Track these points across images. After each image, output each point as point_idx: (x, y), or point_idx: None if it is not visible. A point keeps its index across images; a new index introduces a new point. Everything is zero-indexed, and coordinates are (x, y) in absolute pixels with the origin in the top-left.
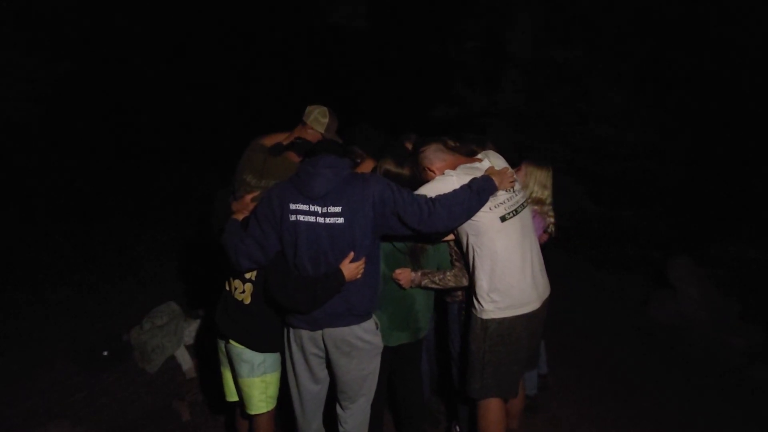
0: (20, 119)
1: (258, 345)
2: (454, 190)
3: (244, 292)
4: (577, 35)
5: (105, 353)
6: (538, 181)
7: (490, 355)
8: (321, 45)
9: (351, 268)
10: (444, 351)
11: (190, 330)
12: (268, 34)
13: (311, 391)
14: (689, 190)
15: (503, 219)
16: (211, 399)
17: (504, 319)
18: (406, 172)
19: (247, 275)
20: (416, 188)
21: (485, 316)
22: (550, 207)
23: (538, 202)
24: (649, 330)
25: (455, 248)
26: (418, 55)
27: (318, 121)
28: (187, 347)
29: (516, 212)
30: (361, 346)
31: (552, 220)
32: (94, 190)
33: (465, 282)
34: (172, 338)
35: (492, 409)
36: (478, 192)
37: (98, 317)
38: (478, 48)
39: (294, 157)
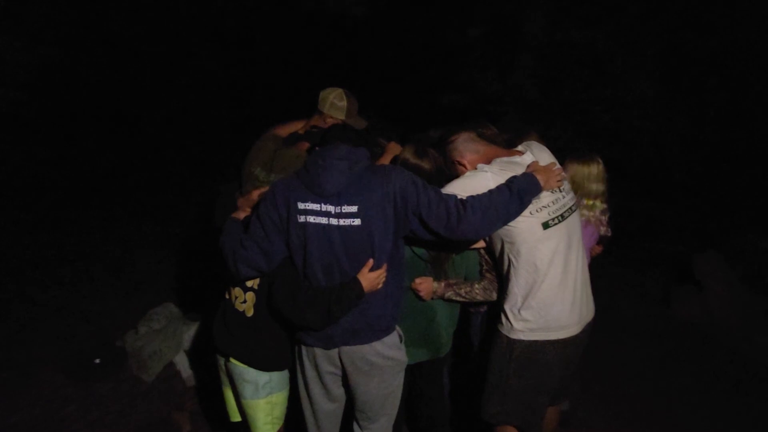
0: (4, 108)
1: (263, 364)
2: (490, 190)
3: (245, 302)
4: (597, 15)
5: (97, 361)
6: (587, 181)
7: (514, 380)
8: (321, 34)
9: (370, 278)
10: (464, 364)
11: (190, 334)
12: (266, 24)
13: (327, 410)
14: (712, 181)
15: (546, 226)
16: (213, 409)
17: (534, 342)
18: (426, 164)
19: (249, 283)
20: (440, 185)
21: (513, 336)
22: (605, 213)
23: (589, 207)
24: (673, 328)
25: (486, 257)
26: (424, 40)
27: (335, 106)
28: (187, 353)
29: (562, 218)
30: (382, 363)
31: (604, 228)
32: (86, 184)
33: (495, 296)
34: (170, 343)
35: None
36: (519, 193)
37: (90, 320)
38: (490, 30)
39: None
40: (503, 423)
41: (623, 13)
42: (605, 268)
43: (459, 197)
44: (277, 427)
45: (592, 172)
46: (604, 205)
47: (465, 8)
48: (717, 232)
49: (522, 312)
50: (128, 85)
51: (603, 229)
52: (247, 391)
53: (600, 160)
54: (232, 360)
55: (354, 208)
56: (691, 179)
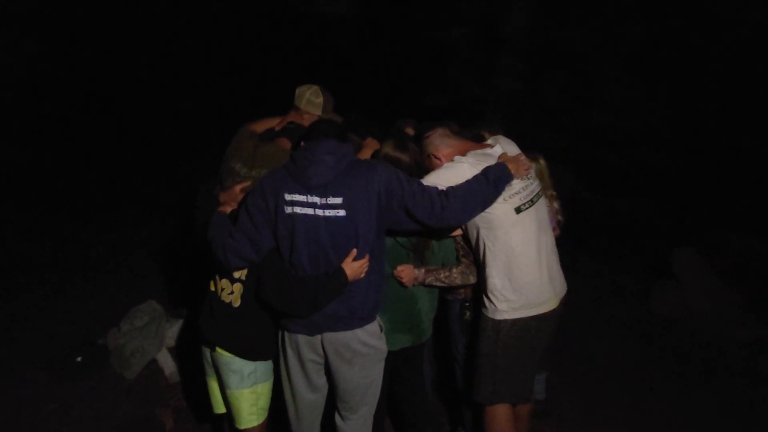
0: None
1: (248, 353)
2: (468, 180)
3: (232, 293)
4: (578, 15)
5: (79, 359)
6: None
7: (503, 359)
8: (307, 33)
9: (354, 267)
10: (445, 351)
11: (173, 331)
12: (253, 22)
13: (308, 400)
14: (689, 178)
15: (518, 210)
16: (197, 405)
17: (519, 319)
18: (406, 157)
19: (236, 274)
20: (417, 176)
21: (498, 317)
22: (553, 201)
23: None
24: (651, 323)
25: (462, 243)
26: (408, 40)
27: (312, 102)
28: (170, 350)
29: (532, 202)
30: (364, 351)
31: (557, 214)
32: (69, 182)
33: (473, 280)
34: (152, 340)
35: (500, 414)
36: (495, 182)
37: (73, 319)
38: (472, 31)
39: (286, 144)
40: (497, 402)
41: (604, 14)
42: (584, 264)
43: (440, 187)
44: (262, 418)
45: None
46: (553, 193)
47: (448, 8)
48: (694, 229)
49: (504, 293)
50: (115, 85)
51: (558, 216)
52: (232, 380)
53: (540, 159)
54: (218, 350)
55: (339, 200)
56: (669, 176)
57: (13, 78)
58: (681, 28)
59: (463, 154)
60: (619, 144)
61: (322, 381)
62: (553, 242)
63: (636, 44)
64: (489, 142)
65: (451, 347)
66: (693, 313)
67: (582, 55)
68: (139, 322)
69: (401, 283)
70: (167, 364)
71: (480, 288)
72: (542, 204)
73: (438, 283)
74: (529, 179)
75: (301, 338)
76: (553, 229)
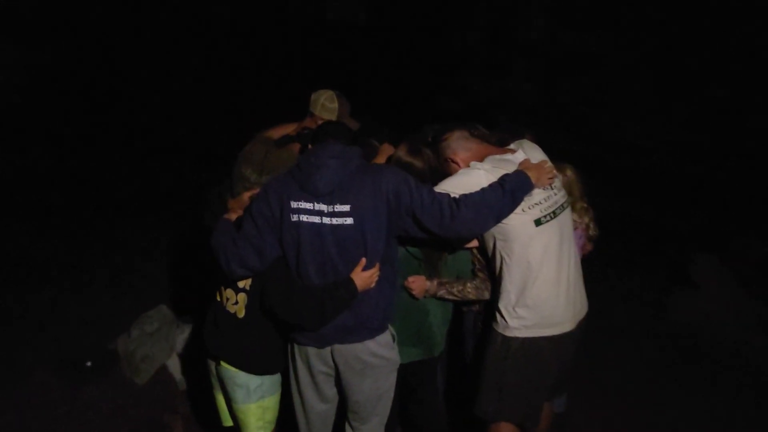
0: None
1: (254, 366)
2: (483, 189)
3: (237, 303)
4: (592, 19)
5: (89, 364)
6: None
7: (510, 377)
8: (319, 41)
9: (363, 277)
10: (457, 362)
11: (183, 337)
12: (265, 30)
13: (319, 411)
14: (709, 183)
15: (538, 222)
16: (206, 412)
17: (530, 338)
18: (418, 162)
19: (241, 284)
20: (432, 182)
21: (508, 333)
22: (585, 214)
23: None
24: (670, 332)
25: (478, 256)
26: (421, 44)
27: (326, 108)
28: (180, 356)
29: (554, 215)
30: (375, 362)
31: (586, 229)
32: (82, 186)
33: (487, 295)
34: (163, 346)
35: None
36: (512, 191)
37: (83, 323)
38: (487, 35)
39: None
40: (499, 420)
41: (618, 16)
42: (601, 272)
43: (452, 195)
44: (269, 431)
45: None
46: (584, 205)
47: (462, 13)
48: (714, 235)
49: (517, 309)
50: (123, 90)
51: (591, 231)
52: (238, 395)
53: (568, 170)
54: (223, 364)
55: (346, 207)
56: (687, 181)
57: (22, 83)
58: (699, 30)
59: (482, 159)
60: (635, 147)
61: (332, 392)
62: (577, 260)
63: (651, 47)
64: (512, 147)
65: (465, 359)
66: (714, 322)
67: (598, 58)
68: (149, 328)
69: (411, 294)
70: (176, 370)
71: (491, 300)
72: (566, 217)
73: (450, 297)
74: (552, 189)
75: (311, 350)
76: (583, 246)
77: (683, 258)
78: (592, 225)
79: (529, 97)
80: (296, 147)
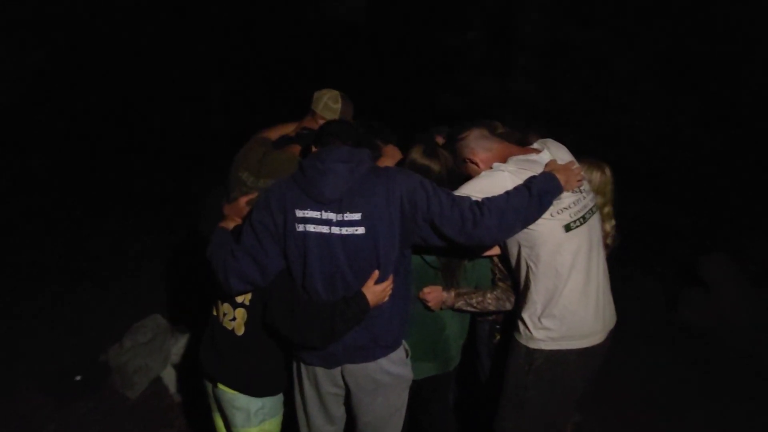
0: None
1: (255, 389)
2: (508, 192)
3: (235, 319)
4: (597, 15)
5: (78, 378)
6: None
7: (532, 392)
8: (319, 40)
9: (376, 291)
10: (469, 373)
11: (179, 347)
12: (264, 30)
13: None
14: (717, 181)
15: (568, 228)
16: (203, 426)
17: (557, 351)
18: (436, 165)
19: (239, 299)
20: (449, 187)
21: (532, 345)
22: (609, 218)
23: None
24: (681, 333)
25: (500, 265)
26: (422, 43)
27: (329, 107)
28: (175, 367)
29: (584, 219)
30: (388, 381)
31: (611, 238)
32: (76, 189)
33: (508, 306)
34: (157, 357)
35: None
36: (539, 195)
37: (73, 334)
38: (488, 32)
39: (298, 151)
40: None
41: (623, 13)
42: (610, 272)
43: (474, 199)
44: None
45: (594, 180)
46: (610, 210)
47: (463, 10)
48: (724, 234)
49: (542, 320)
50: (124, 92)
51: (608, 240)
52: (238, 419)
53: (606, 169)
54: (221, 386)
55: (357, 216)
56: (696, 180)
57: (20, 85)
58: (705, 26)
59: (504, 160)
60: (643, 146)
61: (340, 412)
62: (605, 266)
63: (658, 44)
64: (535, 146)
65: (478, 371)
66: (725, 322)
67: (602, 54)
68: (142, 337)
69: (427, 306)
70: (172, 382)
71: (514, 309)
72: (596, 221)
73: (469, 308)
74: (581, 192)
75: (320, 370)
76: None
77: (694, 258)
78: (613, 233)
79: (532, 95)
80: (296, 148)
